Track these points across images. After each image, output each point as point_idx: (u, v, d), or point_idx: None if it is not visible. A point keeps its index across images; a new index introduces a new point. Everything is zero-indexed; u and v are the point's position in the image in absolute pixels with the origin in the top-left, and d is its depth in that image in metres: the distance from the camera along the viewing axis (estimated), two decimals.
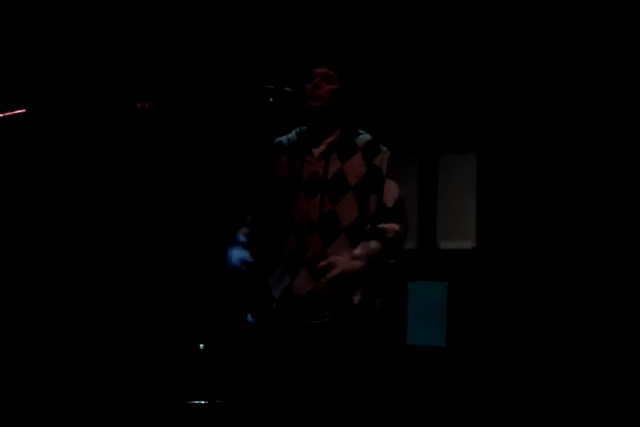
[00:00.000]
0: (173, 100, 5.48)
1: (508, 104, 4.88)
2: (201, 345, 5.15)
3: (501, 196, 4.88)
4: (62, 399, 4.83)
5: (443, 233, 5.21)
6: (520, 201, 4.78)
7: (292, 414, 2.90)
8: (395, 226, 2.95)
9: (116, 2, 5.22)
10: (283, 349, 2.92)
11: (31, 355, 4.88)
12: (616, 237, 4.40)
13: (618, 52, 4.46)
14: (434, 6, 5.08)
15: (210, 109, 5.55)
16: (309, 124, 3.08)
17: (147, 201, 5.38)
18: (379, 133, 3.11)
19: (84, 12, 5.13)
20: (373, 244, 2.91)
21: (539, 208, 4.71)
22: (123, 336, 5.18)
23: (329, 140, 3.04)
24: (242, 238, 3.05)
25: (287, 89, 3.01)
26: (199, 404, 4.95)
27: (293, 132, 3.15)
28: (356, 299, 2.91)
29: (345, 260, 2.85)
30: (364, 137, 3.07)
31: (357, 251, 2.89)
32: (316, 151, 3.03)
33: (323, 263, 2.84)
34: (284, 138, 3.15)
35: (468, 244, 5.06)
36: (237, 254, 2.96)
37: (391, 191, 2.98)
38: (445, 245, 5.19)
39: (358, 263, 2.86)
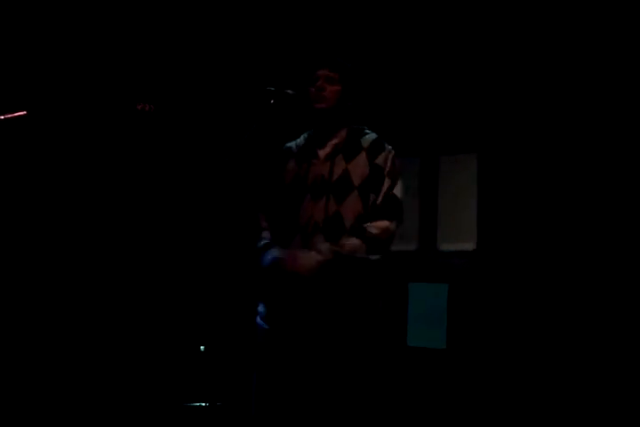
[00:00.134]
0: (174, 101, 5.48)
1: (508, 104, 4.88)
2: (201, 347, 5.15)
3: (503, 197, 4.87)
4: (64, 400, 4.83)
5: (443, 235, 5.20)
6: (521, 202, 4.78)
7: (294, 414, 2.91)
8: (381, 223, 2.94)
9: (117, 3, 5.22)
10: (289, 351, 2.93)
11: (32, 357, 4.88)
12: (618, 238, 4.40)
13: (618, 53, 4.46)
14: (434, 6, 5.09)
15: (210, 111, 5.56)
16: (315, 126, 3.10)
17: (148, 203, 5.38)
18: (379, 134, 3.12)
19: (85, 14, 5.13)
20: (351, 240, 2.91)
21: (540, 209, 4.70)
22: (123, 338, 5.18)
23: (334, 141, 3.05)
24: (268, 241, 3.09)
25: (288, 91, 3.03)
26: (200, 406, 4.95)
27: (302, 136, 3.17)
28: (355, 300, 2.93)
29: (304, 254, 2.88)
30: (370, 137, 3.08)
31: (324, 246, 2.90)
32: (322, 153, 3.05)
33: (284, 256, 2.90)
34: (293, 143, 3.18)
35: (469, 245, 5.05)
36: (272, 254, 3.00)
37: (384, 189, 2.98)
38: (446, 246, 5.19)
39: (315, 258, 2.87)
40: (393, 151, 3.05)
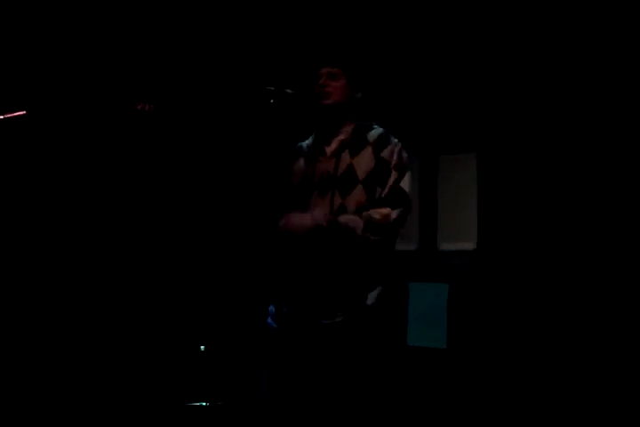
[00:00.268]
0: (174, 101, 5.48)
1: (508, 104, 4.88)
2: (202, 347, 5.15)
3: (502, 196, 4.87)
4: (64, 401, 4.83)
5: (443, 234, 5.20)
6: (521, 202, 4.77)
7: (303, 413, 2.92)
8: (383, 209, 2.94)
9: (117, 4, 5.22)
10: (297, 350, 2.94)
11: (32, 357, 4.88)
12: (619, 238, 4.39)
13: (618, 53, 4.46)
14: (433, 7, 5.08)
15: (210, 111, 5.56)
16: (323, 123, 3.10)
17: (148, 203, 5.38)
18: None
19: (85, 14, 5.13)
20: (350, 216, 2.93)
21: (540, 209, 4.70)
22: (123, 338, 5.18)
23: (340, 137, 3.07)
24: None
25: (288, 90, 3.03)
26: (200, 406, 4.95)
27: (311, 136, 3.18)
28: (370, 299, 2.93)
29: (299, 215, 2.95)
30: (376, 131, 3.08)
31: (319, 212, 2.93)
32: (328, 150, 3.06)
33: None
34: (304, 143, 3.20)
35: (469, 245, 5.05)
36: None
37: (390, 181, 2.98)
38: (446, 246, 5.18)
39: (309, 220, 2.92)
40: (400, 144, 3.04)
